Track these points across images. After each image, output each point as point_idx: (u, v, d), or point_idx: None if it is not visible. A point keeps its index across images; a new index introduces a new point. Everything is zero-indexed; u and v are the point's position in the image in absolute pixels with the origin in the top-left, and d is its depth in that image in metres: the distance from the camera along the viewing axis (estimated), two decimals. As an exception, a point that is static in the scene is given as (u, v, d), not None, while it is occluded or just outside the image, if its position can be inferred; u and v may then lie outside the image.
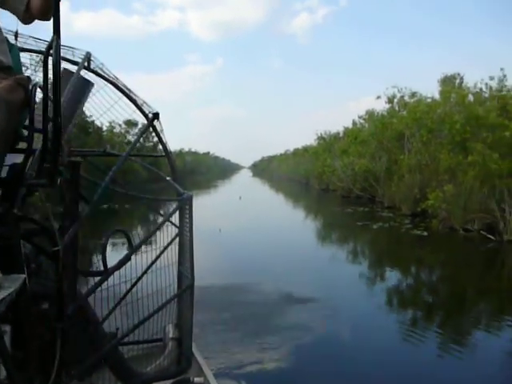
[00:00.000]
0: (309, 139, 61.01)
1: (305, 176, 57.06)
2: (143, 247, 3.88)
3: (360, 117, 39.17)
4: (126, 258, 3.34)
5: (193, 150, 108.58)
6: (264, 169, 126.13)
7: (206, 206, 27.35)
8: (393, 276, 12.30)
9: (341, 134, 46.07)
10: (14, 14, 2.18)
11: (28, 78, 2.14)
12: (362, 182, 32.02)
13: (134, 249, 3.39)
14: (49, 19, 2.06)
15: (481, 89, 24.03)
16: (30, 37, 3.15)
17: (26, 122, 2.11)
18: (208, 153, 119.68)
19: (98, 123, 25.05)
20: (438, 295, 10.87)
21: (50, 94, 2.04)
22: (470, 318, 9.03)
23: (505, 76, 22.93)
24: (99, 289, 3.27)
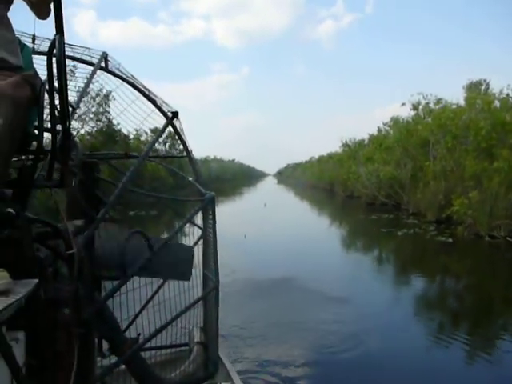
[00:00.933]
0: (334, 146, 60.91)
1: (329, 183, 56.87)
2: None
3: (385, 124, 39.01)
4: (146, 262, 3.16)
5: (218, 157, 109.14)
6: (289, 176, 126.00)
7: (231, 213, 27.54)
8: (419, 282, 12.18)
9: (366, 141, 45.91)
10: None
11: (36, 74, 2.17)
12: (386, 189, 31.77)
13: (153, 252, 3.19)
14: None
15: (507, 94, 23.85)
16: (46, 39, 2.99)
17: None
18: (233, 160, 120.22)
19: (124, 131, 25.38)
20: (464, 302, 10.82)
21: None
22: (496, 325, 8.93)
23: (531, 81, 22.79)
24: (118, 293, 3.14)
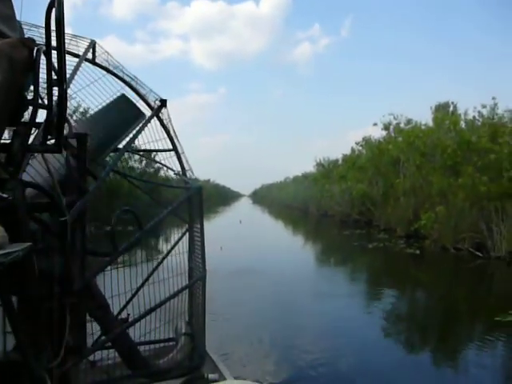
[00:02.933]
0: (309, 166, 61.43)
1: (304, 202, 57.43)
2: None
3: (357, 143, 39.86)
4: (136, 241, 3.22)
5: (193, 177, 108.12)
6: (264, 196, 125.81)
7: (207, 229, 27.86)
8: (386, 290, 12.71)
9: (340, 161, 46.76)
10: None
11: (33, 40, 2.11)
12: (359, 207, 32.55)
13: (143, 232, 3.24)
14: None
15: (474, 116, 24.85)
16: (33, 25, 2.96)
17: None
18: (208, 180, 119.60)
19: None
20: (427, 308, 11.43)
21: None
22: (458, 330, 9.16)
23: (496, 104, 23.73)
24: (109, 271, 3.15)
